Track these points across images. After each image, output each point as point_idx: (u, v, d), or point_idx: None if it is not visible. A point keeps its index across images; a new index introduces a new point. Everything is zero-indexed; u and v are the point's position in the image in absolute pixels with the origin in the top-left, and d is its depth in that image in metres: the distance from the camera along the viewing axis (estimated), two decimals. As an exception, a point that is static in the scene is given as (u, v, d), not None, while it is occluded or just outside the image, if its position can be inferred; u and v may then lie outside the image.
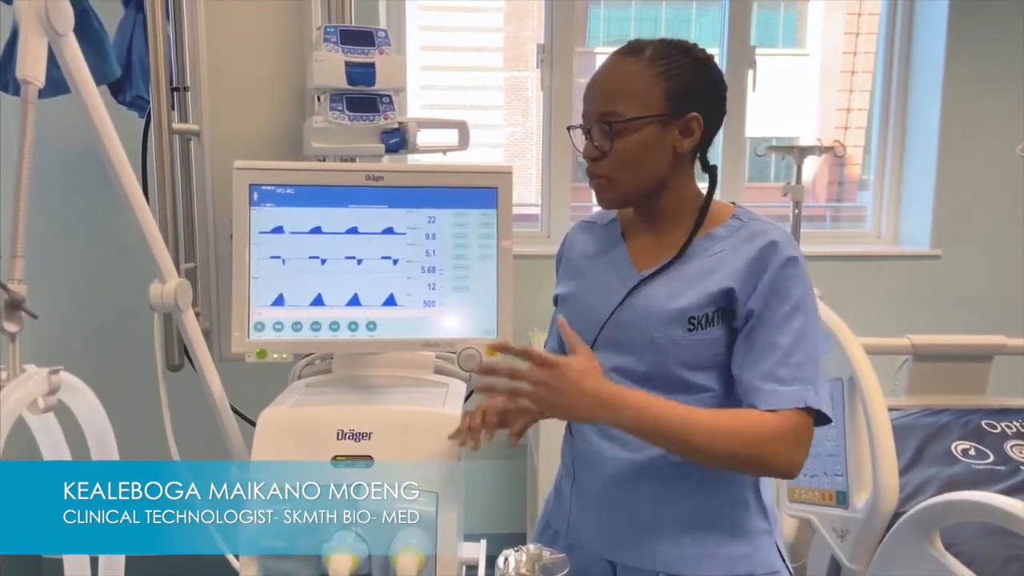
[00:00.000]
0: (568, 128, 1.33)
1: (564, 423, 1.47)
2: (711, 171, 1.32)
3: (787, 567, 1.33)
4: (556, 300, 1.43)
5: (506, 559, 1.23)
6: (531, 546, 1.22)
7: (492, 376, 1.14)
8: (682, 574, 1.26)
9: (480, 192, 1.36)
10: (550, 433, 1.55)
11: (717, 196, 1.32)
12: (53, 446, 1.05)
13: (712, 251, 1.25)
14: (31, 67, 0.91)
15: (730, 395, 1.24)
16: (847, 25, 4.69)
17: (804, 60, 5.43)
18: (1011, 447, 2.01)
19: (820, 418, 1.19)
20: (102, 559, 1.18)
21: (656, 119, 1.21)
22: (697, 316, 1.21)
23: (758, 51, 3.23)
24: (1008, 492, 1.78)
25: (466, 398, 1.46)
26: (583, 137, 1.27)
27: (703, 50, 1.26)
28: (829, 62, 5.07)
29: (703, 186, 1.32)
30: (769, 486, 1.34)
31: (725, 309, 1.22)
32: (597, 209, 1.45)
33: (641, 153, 1.23)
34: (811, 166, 2.84)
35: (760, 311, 1.20)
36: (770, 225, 1.26)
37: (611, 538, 1.31)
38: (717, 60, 3.10)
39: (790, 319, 1.19)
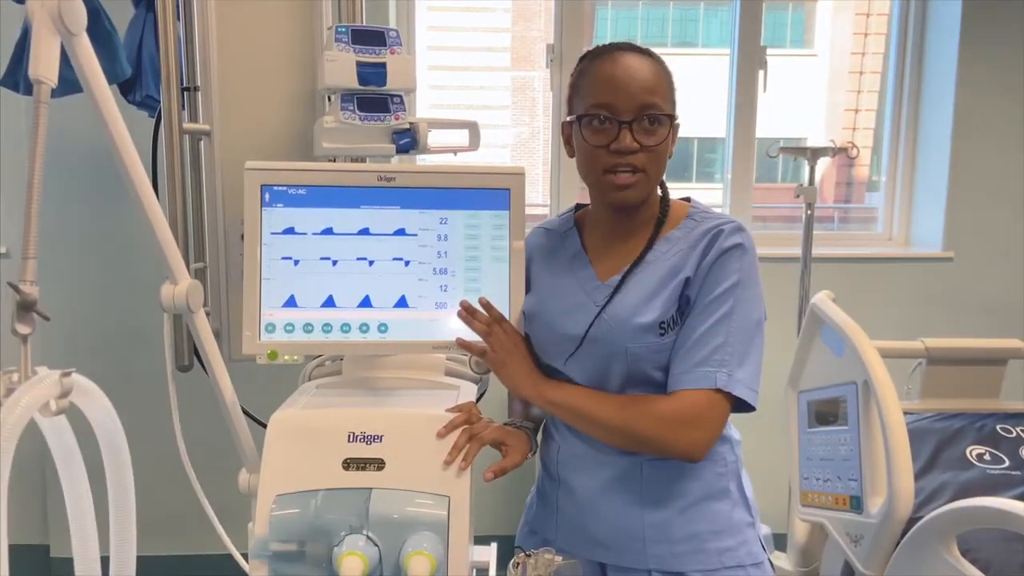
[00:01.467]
0: (579, 118, 1.29)
1: None
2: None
3: (768, 560, 1.37)
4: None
5: (518, 564, 1.22)
6: (544, 552, 1.22)
7: (470, 318, 1.29)
8: (674, 570, 1.30)
9: (493, 193, 1.35)
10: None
11: (728, 194, 1.36)
12: (64, 450, 1.05)
13: (670, 254, 1.29)
14: (44, 67, 0.90)
15: None
16: (855, 25, 4.66)
17: (812, 60, 5.40)
18: (1027, 452, 1.99)
19: (741, 404, 1.22)
20: (112, 556, 1.17)
21: (675, 119, 1.28)
22: (666, 320, 1.25)
23: (767, 52, 3.22)
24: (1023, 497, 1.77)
25: (476, 400, 1.45)
26: (597, 128, 1.26)
27: None
28: (837, 62, 5.05)
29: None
30: (747, 478, 1.38)
31: (686, 303, 1.26)
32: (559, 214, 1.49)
33: (668, 149, 1.29)
34: (819, 167, 2.83)
35: (694, 297, 1.24)
36: (722, 218, 1.30)
37: (602, 540, 1.34)
38: (728, 60, 3.11)
39: (717, 304, 1.23)
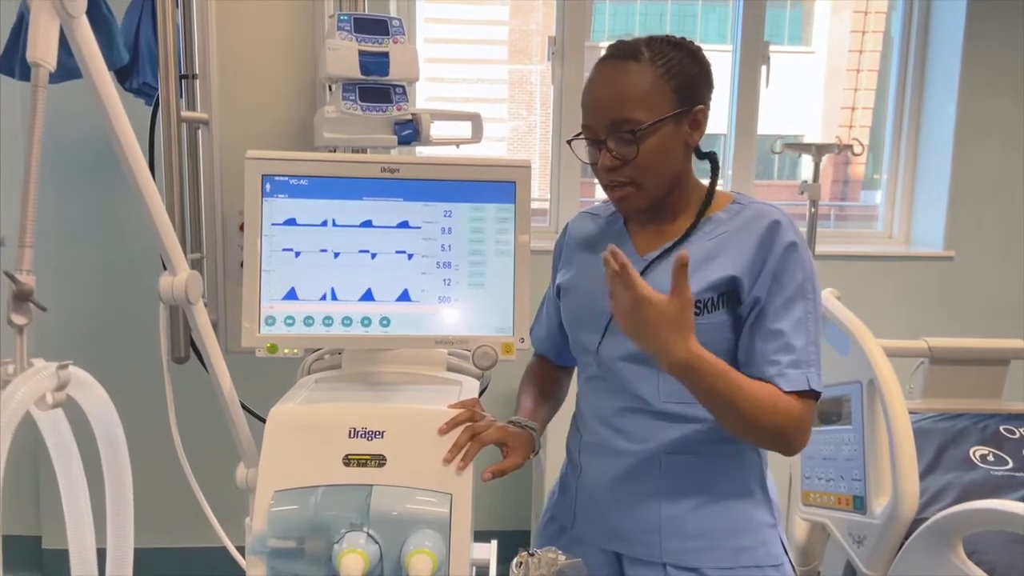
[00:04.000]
0: (568, 142, 1.34)
1: (568, 421, 1.49)
2: (711, 156, 1.35)
3: (790, 561, 1.35)
4: (558, 291, 1.45)
5: (520, 563, 1.20)
6: (546, 550, 1.20)
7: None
8: (689, 566, 1.28)
9: (498, 186, 1.33)
10: (557, 432, 1.53)
11: (724, 187, 1.33)
12: (61, 443, 1.02)
13: (714, 234, 1.28)
14: (42, 49, 0.88)
15: None
16: (853, 23, 4.65)
17: (810, 58, 5.40)
18: (1030, 453, 1.99)
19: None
20: (109, 552, 1.14)
21: (671, 119, 1.23)
22: (703, 300, 1.24)
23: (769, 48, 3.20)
24: (1028, 499, 1.76)
25: (479, 395, 1.43)
26: (591, 148, 1.29)
27: (690, 41, 1.29)
28: (835, 60, 5.04)
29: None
30: (772, 479, 1.37)
31: (730, 294, 1.24)
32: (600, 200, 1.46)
33: (664, 155, 1.25)
34: (821, 164, 2.82)
35: (764, 298, 1.23)
36: (770, 206, 1.29)
37: (618, 530, 1.33)
38: (726, 56, 3.09)
39: (790, 305, 1.22)
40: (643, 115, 1.22)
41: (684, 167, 1.30)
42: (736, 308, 1.25)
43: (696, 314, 1.21)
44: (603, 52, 1.30)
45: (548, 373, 1.56)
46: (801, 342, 1.22)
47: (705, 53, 1.30)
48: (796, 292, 1.23)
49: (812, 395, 1.22)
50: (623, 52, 1.25)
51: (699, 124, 1.27)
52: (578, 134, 1.30)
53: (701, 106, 1.26)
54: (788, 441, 1.22)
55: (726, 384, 1.17)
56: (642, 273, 1.28)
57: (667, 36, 1.28)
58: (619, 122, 1.22)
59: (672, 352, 1.14)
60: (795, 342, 1.21)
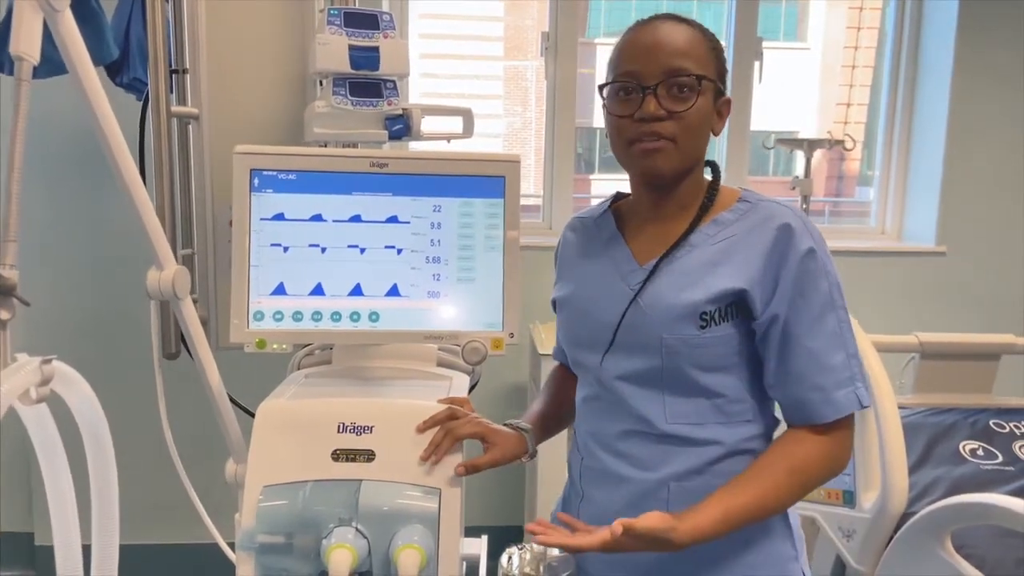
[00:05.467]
0: (601, 87, 1.21)
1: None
2: (712, 164, 1.28)
3: None
4: (554, 304, 1.37)
5: (510, 557, 1.20)
6: (535, 545, 1.19)
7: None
8: None
9: (487, 181, 1.33)
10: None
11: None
12: (46, 439, 1.02)
13: (718, 238, 1.18)
14: (25, 43, 0.88)
15: (744, 400, 1.18)
16: (848, 19, 4.65)
17: (805, 54, 5.39)
18: (1020, 448, 1.99)
19: None
20: (94, 548, 1.14)
21: (716, 87, 1.18)
22: (709, 311, 1.14)
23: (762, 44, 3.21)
24: (1017, 493, 1.76)
25: (469, 391, 1.43)
26: (621, 97, 1.17)
27: None
28: (830, 56, 5.03)
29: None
30: (795, 510, 1.25)
31: (738, 305, 1.15)
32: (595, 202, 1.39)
33: (705, 120, 1.18)
34: (813, 160, 2.82)
35: (786, 315, 1.13)
36: (781, 206, 1.18)
37: (626, 561, 1.19)
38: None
39: (821, 320, 1.13)
40: (701, 70, 1.15)
41: (705, 152, 1.22)
42: (747, 321, 1.16)
43: (702, 327, 1.14)
44: (599, 48, 1.26)
45: (565, 378, 1.44)
46: (841, 358, 1.13)
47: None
48: (825, 304, 1.13)
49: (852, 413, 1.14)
50: (673, 16, 1.19)
51: (723, 114, 1.21)
52: (613, 81, 1.19)
53: (728, 97, 1.21)
54: (836, 472, 1.16)
55: (749, 512, 1.09)
56: (643, 283, 1.19)
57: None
58: (677, 70, 1.13)
59: (676, 545, 1.06)
60: (834, 359, 1.13)
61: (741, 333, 1.16)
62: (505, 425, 1.31)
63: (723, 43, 1.24)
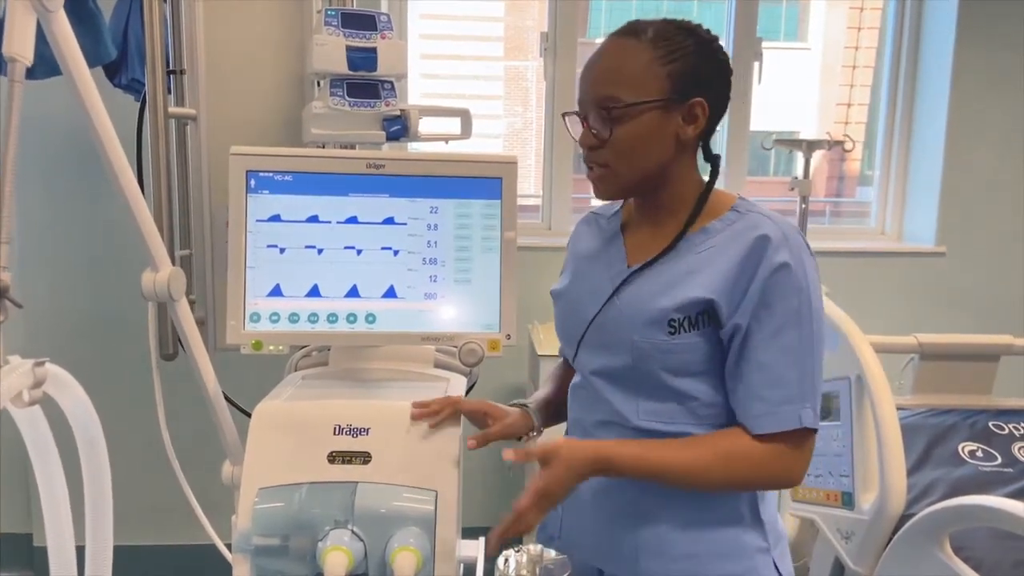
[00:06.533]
0: (563, 115, 1.26)
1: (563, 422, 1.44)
2: (713, 160, 1.26)
3: None
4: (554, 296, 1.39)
5: (506, 560, 1.20)
6: (532, 547, 1.19)
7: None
8: None
9: (484, 182, 1.33)
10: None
11: (720, 186, 1.25)
12: (39, 440, 1.02)
13: (703, 247, 1.18)
14: (18, 44, 0.87)
15: (715, 404, 1.19)
16: (849, 19, 4.64)
17: (805, 54, 5.39)
18: (1019, 449, 1.99)
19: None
20: (88, 549, 1.14)
21: (658, 104, 1.14)
22: (677, 319, 1.15)
23: (762, 44, 3.20)
24: (1016, 495, 1.76)
25: (466, 392, 1.42)
26: (579, 124, 1.20)
27: (708, 31, 1.20)
28: (830, 56, 5.03)
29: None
30: (772, 502, 1.27)
31: (708, 313, 1.15)
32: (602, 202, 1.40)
33: (642, 141, 1.15)
34: (812, 160, 2.81)
35: (748, 326, 1.13)
36: (767, 218, 1.17)
37: (599, 547, 1.27)
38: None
39: (780, 335, 1.12)
40: (626, 94, 1.13)
41: (673, 161, 1.19)
42: (717, 330, 1.15)
43: (671, 334, 1.15)
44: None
45: (568, 370, 1.44)
46: (793, 375, 1.12)
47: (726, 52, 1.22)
48: (788, 319, 1.11)
49: (806, 432, 1.13)
50: (627, 30, 1.17)
51: (695, 118, 1.16)
52: (572, 112, 1.23)
53: (699, 99, 1.15)
54: (779, 484, 1.18)
55: (665, 466, 1.13)
56: (620, 285, 1.22)
57: (686, 22, 1.19)
58: (601, 98, 1.15)
59: (565, 459, 1.10)
60: (786, 374, 1.12)
61: (711, 342, 1.16)
62: (510, 405, 1.34)
63: (722, 43, 1.23)
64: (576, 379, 1.33)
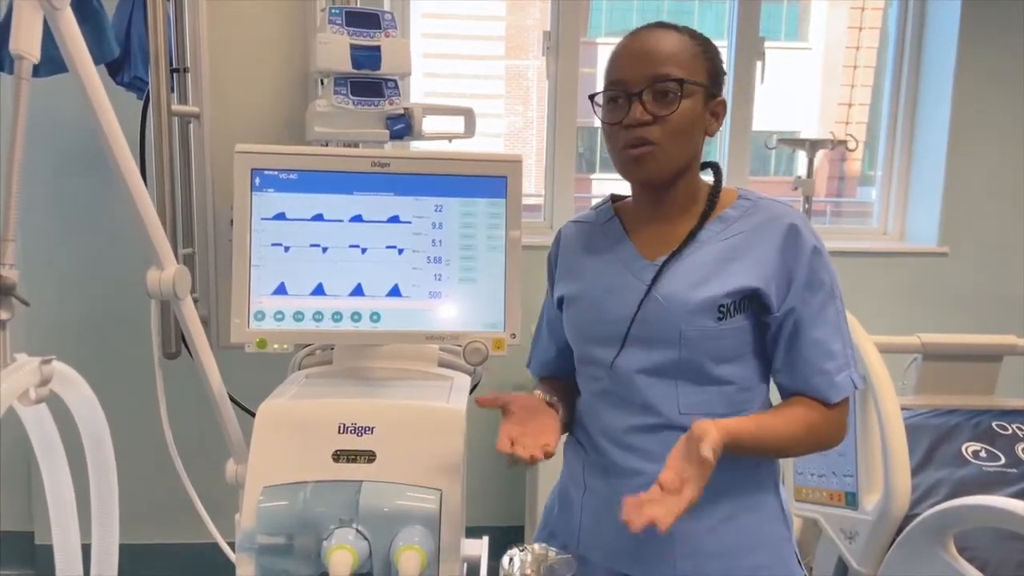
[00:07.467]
0: (591, 97, 1.29)
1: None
2: (713, 165, 1.33)
3: (803, 572, 1.32)
4: (560, 302, 1.40)
5: (511, 559, 1.20)
6: (536, 546, 1.19)
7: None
8: None
9: (489, 181, 1.32)
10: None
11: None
12: (45, 439, 1.02)
13: (726, 234, 1.25)
14: (25, 41, 0.87)
15: (750, 388, 1.26)
16: (850, 19, 4.65)
17: (807, 54, 5.39)
18: (1022, 449, 1.99)
19: None
20: (94, 548, 1.14)
21: (703, 90, 1.22)
22: (726, 304, 1.21)
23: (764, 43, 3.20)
24: (1020, 495, 1.76)
25: (470, 392, 1.42)
26: (620, 104, 1.22)
27: None
28: (831, 56, 5.04)
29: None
30: (784, 490, 1.34)
31: (751, 299, 1.22)
32: (595, 205, 1.43)
33: (691, 123, 1.22)
34: (816, 160, 2.82)
35: (798, 308, 1.22)
36: (782, 205, 1.27)
37: (628, 550, 1.26)
38: (724, 52, 3.08)
39: (823, 311, 1.23)
40: (686, 75, 1.20)
41: (698, 154, 1.28)
42: (758, 314, 1.24)
43: (719, 319, 1.21)
44: (600, 47, 1.29)
45: (560, 382, 1.46)
46: (839, 345, 1.23)
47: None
48: (826, 296, 1.23)
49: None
50: (662, 24, 1.25)
51: (717, 115, 1.26)
52: (603, 91, 1.26)
53: (723, 98, 1.26)
54: (832, 445, 1.27)
55: (776, 437, 1.20)
56: (655, 278, 1.24)
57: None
58: (661, 76, 1.19)
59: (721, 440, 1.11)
60: (835, 347, 1.23)
61: (752, 325, 1.24)
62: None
63: (724, 43, 1.27)
64: (596, 386, 1.33)
